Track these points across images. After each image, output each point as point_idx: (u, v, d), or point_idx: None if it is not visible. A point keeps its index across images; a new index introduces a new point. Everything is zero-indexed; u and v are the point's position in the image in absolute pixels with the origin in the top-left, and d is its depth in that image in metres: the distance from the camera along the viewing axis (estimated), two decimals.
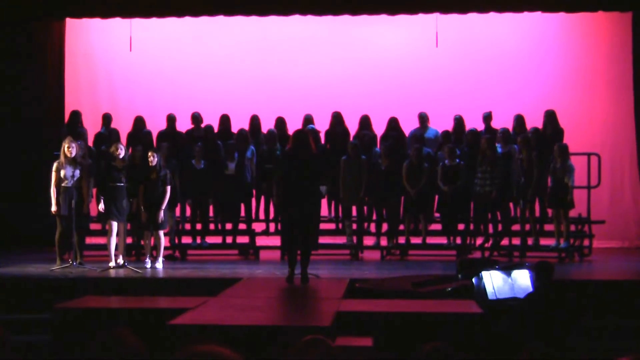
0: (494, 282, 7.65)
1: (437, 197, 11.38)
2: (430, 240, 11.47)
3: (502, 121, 11.71)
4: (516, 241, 11.23)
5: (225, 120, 12.03)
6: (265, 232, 11.76)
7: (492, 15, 12.15)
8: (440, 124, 12.04)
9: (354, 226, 11.51)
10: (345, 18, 12.54)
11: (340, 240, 11.62)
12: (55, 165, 9.91)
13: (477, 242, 11.41)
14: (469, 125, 11.76)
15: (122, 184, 9.91)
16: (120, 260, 9.85)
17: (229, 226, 11.60)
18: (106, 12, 12.19)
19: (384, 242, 11.50)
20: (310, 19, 12.73)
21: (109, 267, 9.73)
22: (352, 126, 11.96)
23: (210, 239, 11.69)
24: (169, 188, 10.11)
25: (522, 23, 13.33)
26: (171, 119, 11.98)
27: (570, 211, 10.81)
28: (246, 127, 11.90)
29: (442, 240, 11.44)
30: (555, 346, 6.03)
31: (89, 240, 11.31)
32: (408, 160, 11.23)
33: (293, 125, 11.69)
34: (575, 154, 11.20)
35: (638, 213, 12.97)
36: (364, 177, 11.23)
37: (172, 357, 2.78)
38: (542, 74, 13.44)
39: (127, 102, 13.61)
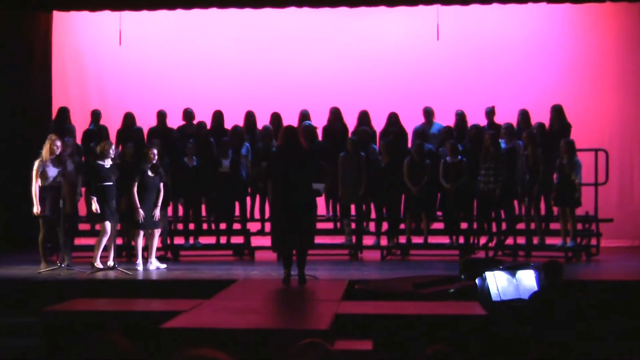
0: (498, 283, 7.65)
1: (439, 195, 11.38)
2: (432, 239, 11.48)
3: (506, 116, 11.71)
4: (521, 240, 11.23)
5: (218, 116, 12.03)
6: (261, 232, 11.75)
7: (496, 6, 12.14)
8: (442, 119, 12.04)
9: (353, 225, 11.51)
10: (343, 10, 12.54)
11: (339, 239, 11.63)
12: (37, 163, 9.83)
13: (480, 242, 11.42)
14: (471, 120, 11.77)
15: (112, 183, 9.89)
16: (111, 262, 9.84)
17: (223, 226, 11.59)
18: (95, 5, 12.16)
19: (384, 241, 11.50)
20: (306, 11, 12.72)
21: (98, 269, 9.72)
22: (351, 122, 11.96)
23: (203, 239, 11.68)
24: (162, 186, 10.13)
25: (526, 14, 13.33)
26: (162, 115, 11.97)
27: (577, 209, 10.81)
28: (241, 123, 11.90)
29: (445, 239, 11.44)
30: (561, 347, 6.04)
31: (78, 241, 11.29)
32: (409, 157, 11.23)
33: (289, 121, 11.66)
34: (582, 150, 11.20)
35: None
36: (363, 175, 11.23)
37: None
38: (548, 68, 13.44)
39: (116, 98, 13.59)
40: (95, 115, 12.14)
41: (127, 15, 12.92)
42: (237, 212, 11.66)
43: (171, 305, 7.07)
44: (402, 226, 11.47)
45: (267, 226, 11.66)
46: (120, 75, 13.79)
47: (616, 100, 13.28)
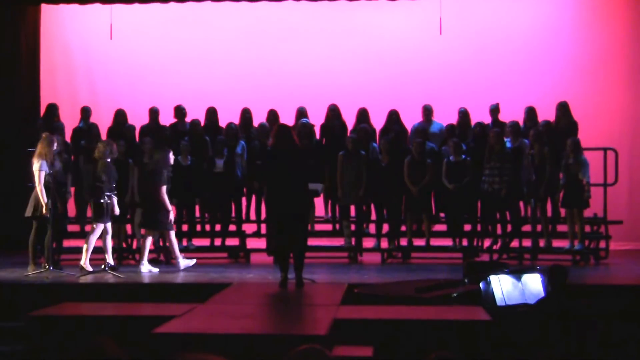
0: (503, 287, 7.65)
1: (441, 195, 11.37)
2: (435, 242, 11.47)
3: (511, 114, 11.70)
4: (527, 243, 11.23)
5: (212, 113, 12.02)
6: (257, 234, 11.75)
7: None
8: (444, 117, 12.03)
9: (353, 227, 11.50)
10: (342, 3, 12.54)
11: (338, 242, 11.63)
12: (39, 163, 9.79)
13: (484, 244, 11.41)
14: (475, 118, 11.76)
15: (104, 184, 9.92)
16: (111, 262, 9.86)
17: (217, 227, 11.59)
18: None
19: (384, 244, 11.50)
20: (304, 5, 12.73)
21: (88, 271, 9.71)
22: (350, 119, 11.95)
23: (197, 241, 11.67)
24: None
25: (533, 7, 13.34)
26: (154, 113, 11.97)
27: (586, 210, 10.81)
28: (236, 120, 11.89)
29: (447, 242, 11.44)
30: (568, 355, 6.03)
31: (66, 243, 11.28)
32: (409, 156, 11.23)
33: (287, 119, 11.68)
34: (590, 149, 11.20)
35: None
36: (363, 175, 11.22)
37: None
38: (555, 63, 13.44)
39: (107, 94, 13.59)
40: (85, 112, 12.13)
41: (118, 9, 12.92)
42: (232, 213, 11.65)
43: (163, 310, 7.05)
44: (403, 228, 11.46)
45: (263, 228, 11.66)
46: (111, 70, 13.78)
47: (626, 97, 13.28)
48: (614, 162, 11.51)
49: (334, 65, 13.54)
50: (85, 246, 9.95)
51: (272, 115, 11.96)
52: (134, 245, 11.49)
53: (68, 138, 11.71)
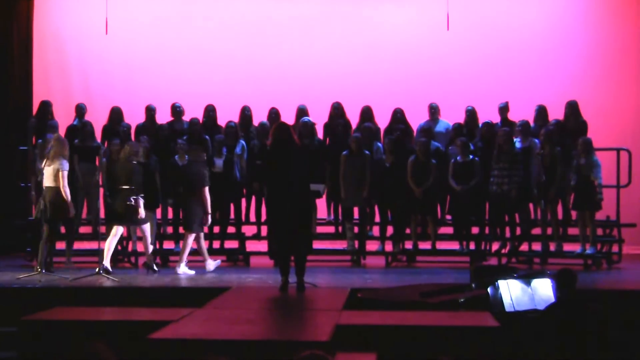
0: (511, 292, 7.64)
1: (448, 197, 11.37)
2: (441, 245, 11.46)
3: (520, 113, 11.69)
4: (537, 246, 11.23)
5: (211, 111, 12.01)
6: (257, 236, 11.74)
7: None
8: (451, 115, 12.02)
9: (356, 229, 11.50)
10: None
11: (341, 245, 11.62)
12: (60, 163, 9.95)
13: (493, 248, 11.40)
14: (483, 117, 11.75)
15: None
16: (107, 264, 10.01)
17: (216, 229, 11.58)
18: None
19: (389, 247, 11.49)
20: None
21: (108, 270, 9.91)
22: (354, 118, 11.95)
23: (194, 244, 11.65)
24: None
25: (543, 3, 13.32)
26: (150, 111, 11.96)
27: (598, 213, 10.80)
28: (235, 119, 11.89)
29: (454, 245, 11.43)
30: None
31: (59, 245, 11.28)
32: (413, 156, 11.22)
33: (288, 117, 11.69)
34: (602, 149, 11.19)
35: None
36: (367, 175, 11.22)
37: None
38: (565, 60, 13.44)
39: (102, 91, 13.58)
40: (80, 109, 12.12)
41: (114, 2, 12.91)
42: (231, 215, 11.65)
43: (159, 315, 7.06)
44: (408, 231, 11.46)
45: (264, 230, 11.64)
46: (107, 66, 13.78)
47: (639, 95, 13.26)
48: (627, 162, 11.50)
49: (337, 62, 13.54)
50: (105, 248, 10.14)
51: (273, 113, 11.96)
52: (129, 248, 11.49)
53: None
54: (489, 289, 7.70)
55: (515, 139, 11.11)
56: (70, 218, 10.26)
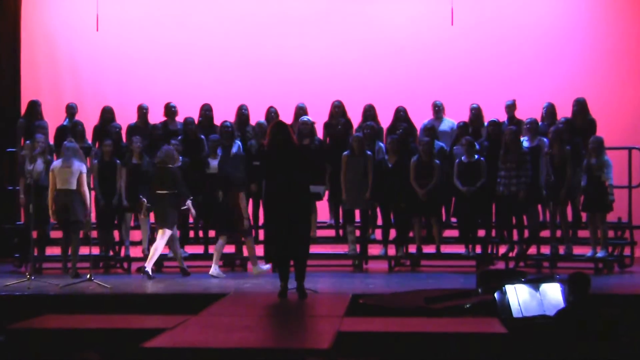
0: (519, 297, 7.63)
1: (453, 198, 11.36)
2: (446, 248, 11.46)
3: (528, 110, 11.67)
4: (545, 250, 11.21)
5: (207, 110, 12.00)
6: (255, 240, 11.71)
7: None
8: (456, 114, 12.02)
9: (357, 233, 11.49)
10: None
11: (342, 249, 11.61)
12: (84, 166, 10.44)
13: (500, 251, 11.39)
14: (489, 115, 11.74)
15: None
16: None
17: (211, 233, 11.57)
18: None
19: (392, 251, 11.48)
20: None
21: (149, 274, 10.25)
22: (355, 117, 11.94)
23: (190, 248, 11.66)
24: None
25: None
26: (142, 110, 11.93)
27: (609, 215, 10.78)
28: (231, 118, 11.88)
29: (460, 248, 11.42)
30: None
31: (50, 250, 11.30)
32: (416, 156, 11.21)
33: (286, 117, 11.67)
34: (613, 149, 11.18)
35: None
36: (369, 176, 11.21)
37: None
38: (573, 57, 13.44)
39: (93, 91, 13.59)
40: (70, 109, 12.11)
41: None
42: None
43: (153, 322, 7.06)
44: (411, 234, 11.45)
45: (262, 234, 11.62)
46: (98, 64, 13.78)
47: None
48: None
49: (337, 59, 13.54)
50: (152, 251, 10.41)
51: (271, 112, 11.94)
52: (122, 253, 11.47)
53: (51, 137, 11.69)
54: (496, 294, 7.69)
55: (522, 138, 11.09)
56: (81, 222, 10.52)
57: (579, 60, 13.39)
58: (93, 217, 11.12)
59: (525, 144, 11.07)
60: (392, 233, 11.49)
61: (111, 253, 11.40)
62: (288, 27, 13.69)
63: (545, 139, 11.00)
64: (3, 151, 12.15)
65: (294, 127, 11.16)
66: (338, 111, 11.87)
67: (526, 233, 11.19)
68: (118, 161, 11.22)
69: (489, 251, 11.42)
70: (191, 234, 11.80)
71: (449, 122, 11.93)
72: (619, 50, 13.39)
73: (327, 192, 11.37)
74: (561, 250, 11.03)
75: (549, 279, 8.13)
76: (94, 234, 11.01)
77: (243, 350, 6.02)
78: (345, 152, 11.30)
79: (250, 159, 11.41)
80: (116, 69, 13.77)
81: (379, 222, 11.65)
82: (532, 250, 11.29)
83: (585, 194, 10.71)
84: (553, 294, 7.77)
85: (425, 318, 7.35)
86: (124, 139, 11.72)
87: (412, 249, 11.47)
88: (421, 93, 12.80)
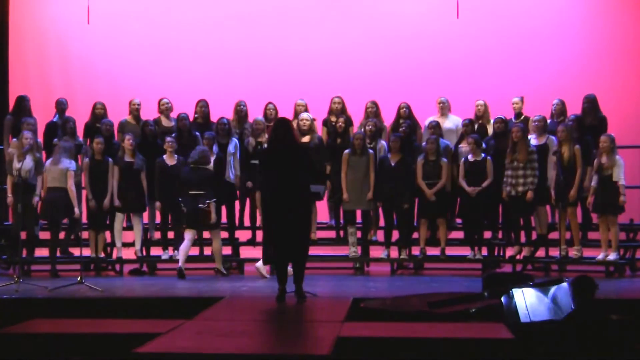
0: (527, 301, 7.63)
1: (458, 199, 11.36)
2: (451, 251, 11.46)
3: (536, 107, 11.67)
4: (554, 252, 11.22)
5: (203, 106, 12.00)
6: (251, 242, 11.74)
7: None
8: (461, 110, 12.02)
9: (359, 234, 11.49)
10: None
11: (342, 251, 11.61)
12: (73, 164, 10.72)
13: (507, 254, 11.40)
14: (494, 112, 11.74)
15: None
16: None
17: (206, 234, 11.57)
18: None
19: (394, 253, 11.48)
20: None
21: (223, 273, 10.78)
22: (357, 114, 11.94)
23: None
24: None
25: None
26: (134, 106, 11.92)
27: (620, 216, 10.79)
28: (229, 115, 11.87)
29: (465, 251, 11.43)
30: None
31: (38, 252, 11.30)
32: (423, 155, 11.21)
33: (286, 113, 11.67)
34: (624, 147, 11.19)
35: None
36: (371, 175, 11.21)
37: None
38: (583, 51, 13.44)
39: (84, 86, 13.59)
40: (60, 105, 12.11)
41: None
42: (223, 219, 11.63)
43: (146, 327, 7.05)
44: (415, 235, 11.45)
45: (259, 235, 11.65)
46: (89, 58, 13.79)
47: None
48: None
49: (339, 52, 13.55)
50: (181, 253, 10.78)
51: (270, 109, 11.93)
52: (114, 255, 11.47)
53: (40, 134, 11.68)
54: (502, 299, 7.69)
55: (530, 136, 11.09)
56: (74, 220, 10.73)
57: (590, 55, 13.40)
58: (84, 218, 11.13)
59: (533, 142, 11.07)
60: (395, 234, 11.50)
61: (102, 255, 11.39)
62: (287, 20, 13.70)
63: (553, 137, 10.99)
64: None
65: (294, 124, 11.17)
66: (338, 107, 11.86)
67: (534, 235, 11.19)
68: (110, 159, 11.21)
69: (496, 254, 11.43)
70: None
71: (455, 119, 11.92)
72: (632, 46, 13.39)
73: (326, 192, 11.36)
74: (570, 253, 11.02)
75: (558, 282, 8.13)
76: (85, 234, 11.02)
77: (239, 356, 6.02)
78: (346, 151, 11.31)
79: (248, 158, 11.42)
80: (108, 63, 13.78)
81: (381, 223, 11.65)
82: (540, 252, 11.29)
83: (595, 195, 10.71)
84: (562, 298, 7.76)
85: (428, 323, 7.35)
86: (116, 137, 11.72)
87: (415, 251, 11.47)
88: (425, 89, 12.81)
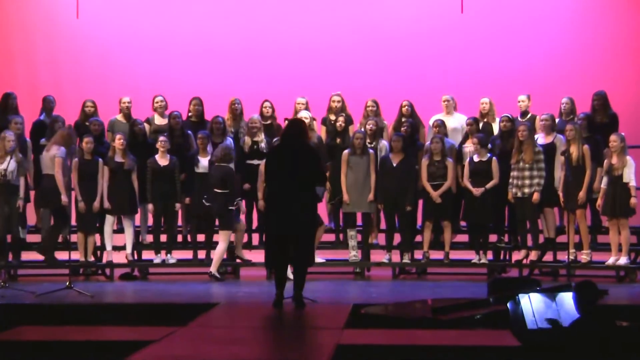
0: (534, 307, 7.63)
1: (462, 201, 11.36)
2: (455, 255, 11.47)
3: (542, 105, 11.67)
4: (562, 256, 11.22)
5: (197, 104, 11.98)
6: (248, 245, 11.73)
7: None
8: (465, 109, 12.02)
9: (359, 237, 11.49)
10: None
11: (342, 255, 11.61)
12: (61, 151, 10.86)
13: (513, 258, 11.40)
14: (500, 110, 11.74)
15: None
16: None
17: (201, 237, 11.57)
18: None
19: (396, 257, 11.48)
20: None
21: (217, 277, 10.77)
22: (357, 112, 11.94)
23: (177, 254, 11.65)
24: None
25: None
26: (124, 104, 11.91)
27: (631, 218, 10.79)
28: (223, 113, 11.87)
29: (470, 255, 11.42)
30: None
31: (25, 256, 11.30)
32: (427, 155, 11.21)
33: (283, 111, 11.68)
34: (635, 147, 11.18)
35: None
36: (372, 176, 11.22)
37: None
38: (593, 47, 13.44)
39: (73, 82, 13.58)
40: (47, 102, 12.09)
41: None
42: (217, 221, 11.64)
43: (138, 334, 7.06)
44: (418, 238, 11.45)
45: (255, 238, 11.66)
46: (78, 54, 13.77)
47: None
48: None
49: (339, 48, 13.56)
50: (215, 256, 10.97)
51: (266, 107, 11.91)
52: (104, 259, 11.46)
53: (27, 133, 11.68)
54: (509, 305, 7.69)
55: (537, 135, 11.09)
56: (62, 207, 10.82)
57: (600, 51, 13.40)
58: (73, 220, 11.13)
59: (540, 141, 11.07)
60: (397, 238, 11.50)
61: (92, 259, 11.38)
62: (285, 14, 13.71)
63: (561, 136, 11.00)
64: None
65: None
66: (338, 105, 11.86)
67: (541, 238, 11.20)
68: (100, 159, 11.21)
69: (502, 258, 11.44)
70: (179, 238, 11.77)
71: (461, 117, 11.89)
72: None
73: (325, 194, 11.36)
74: (579, 257, 11.03)
75: (566, 288, 8.14)
76: (74, 237, 11.02)
77: None
78: (346, 151, 11.31)
79: (244, 157, 11.42)
80: (97, 59, 13.76)
81: (383, 225, 11.65)
82: (548, 257, 11.30)
83: (605, 196, 10.72)
84: (570, 304, 7.77)
85: (432, 330, 7.35)
86: (106, 136, 11.71)
87: (418, 255, 11.47)
88: (428, 86, 12.81)
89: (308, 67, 13.41)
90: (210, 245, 11.50)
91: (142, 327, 7.66)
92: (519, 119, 11.52)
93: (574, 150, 10.74)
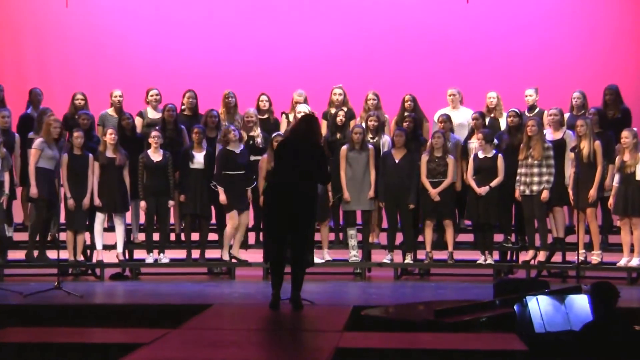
0: (542, 310, 7.64)
1: (467, 199, 11.36)
2: (459, 255, 11.47)
3: (551, 99, 11.68)
4: (572, 257, 11.22)
5: (190, 97, 11.98)
6: (244, 245, 11.72)
7: None
8: (471, 103, 12.02)
9: (360, 237, 11.50)
10: None
11: (342, 254, 11.61)
12: (37, 142, 10.90)
13: (520, 259, 11.40)
14: (508, 104, 11.74)
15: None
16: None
17: (195, 236, 11.57)
18: None
19: (398, 257, 11.48)
20: None
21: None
22: (358, 106, 11.94)
23: (170, 253, 11.66)
24: None
25: None
26: (115, 97, 11.90)
27: None
28: (218, 107, 11.87)
29: (475, 255, 11.43)
30: None
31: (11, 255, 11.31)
32: (428, 151, 11.21)
33: (281, 105, 11.68)
34: None
35: None
36: (373, 173, 11.22)
37: None
38: (604, 39, 13.44)
39: (62, 74, 13.58)
40: (35, 95, 12.09)
41: None
42: (213, 219, 11.63)
43: (129, 336, 7.06)
44: (421, 238, 11.46)
45: (251, 237, 11.66)
46: (67, 45, 13.77)
47: None
48: None
49: (339, 40, 13.56)
50: (225, 240, 11.25)
51: (263, 100, 11.91)
52: (94, 258, 11.46)
53: (14, 126, 11.67)
54: (515, 307, 7.70)
55: (545, 131, 11.09)
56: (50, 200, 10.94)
57: (611, 43, 13.39)
58: (62, 218, 11.13)
59: (549, 137, 11.07)
60: (399, 237, 11.50)
61: (81, 258, 11.37)
62: (283, 5, 13.68)
63: (571, 132, 10.99)
64: None
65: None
66: (339, 99, 11.85)
67: (550, 238, 11.20)
68: (90, 154, 11.20)
69: (508, 258, 11.44)
70: (172, 236, 11.78)
71: (467, 112, 11.86)
72: None
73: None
74: (589, 257, 11.03)
75: (576, 290, 8.15)
76: (62, 235, 11.02)
77: None
78: (344, 146, 11.30)
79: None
80: (88, 50, 13.75)
81: (384, 224, 11.65)
82: (557, 257, 11.30)
83: (617, 195, 10.71)
84: (580, 307, 7.77)
85: (435, 333, 7.35)
86: (97, 130, 11.71)
87: (421, 255, 11.48)
88: (432, 79, 12.81)
89: (308, 58, 13.41)
90: (205, 244, 11.51)
91: (133, 329, 7.69)
92: (527, 113, 11.51)
93: (584, 146, 10.73)
